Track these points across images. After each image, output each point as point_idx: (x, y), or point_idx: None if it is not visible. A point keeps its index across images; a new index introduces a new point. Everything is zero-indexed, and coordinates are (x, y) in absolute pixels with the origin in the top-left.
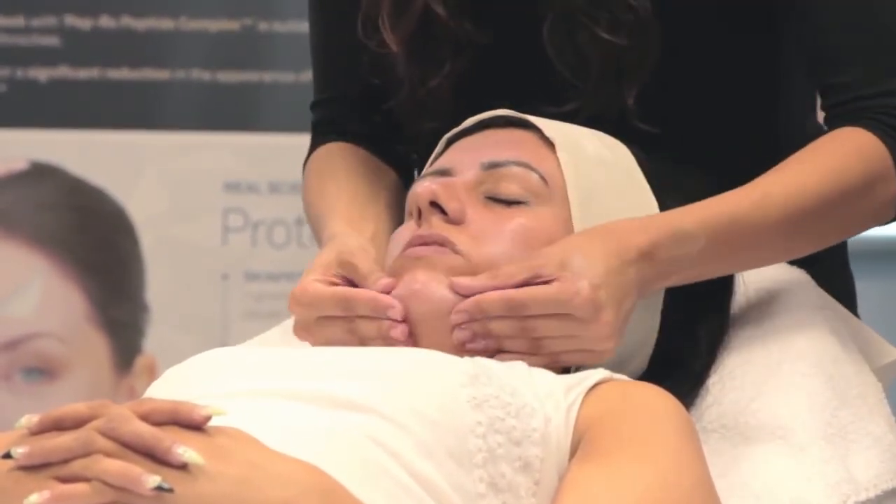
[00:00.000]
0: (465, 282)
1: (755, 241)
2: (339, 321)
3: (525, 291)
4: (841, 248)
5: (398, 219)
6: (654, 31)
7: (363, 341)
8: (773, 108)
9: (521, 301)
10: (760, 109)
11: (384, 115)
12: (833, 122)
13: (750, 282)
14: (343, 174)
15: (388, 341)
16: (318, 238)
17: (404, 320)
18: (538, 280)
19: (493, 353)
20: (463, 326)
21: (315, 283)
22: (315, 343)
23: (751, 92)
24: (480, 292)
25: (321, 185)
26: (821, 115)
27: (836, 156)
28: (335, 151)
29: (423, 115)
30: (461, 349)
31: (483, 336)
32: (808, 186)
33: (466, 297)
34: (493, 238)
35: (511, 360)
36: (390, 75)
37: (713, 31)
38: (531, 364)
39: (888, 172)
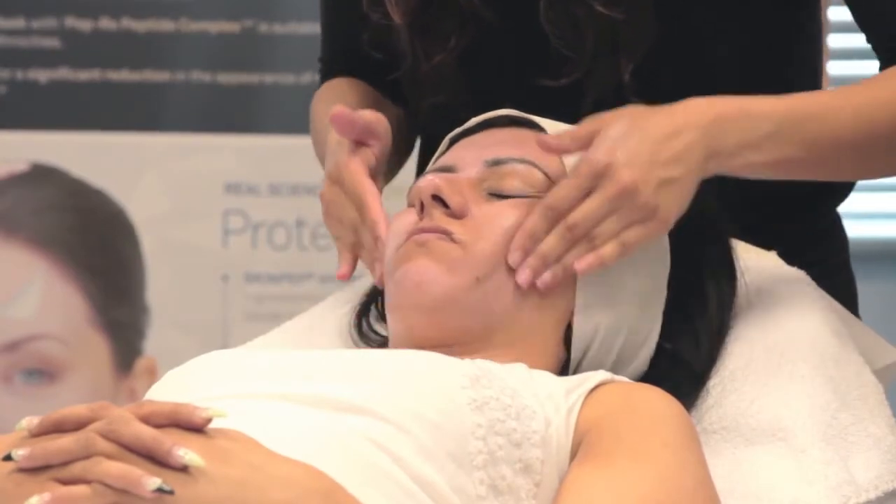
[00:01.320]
0: (544, 138)
1: (824, 141)
2: (350, 231)
3: (554, 191)
4: (842, 250)
5: (398, 146)
6: (650, 5)
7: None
8: (774, 84)
9: (554, 200)
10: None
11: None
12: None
13: (751, 283)
14: (347, 97)
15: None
16: (321, 154)
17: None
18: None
19: (567, 277)
20: (524, 266)
21: (357, 164)
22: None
23: (750, 67)
24: (560, 148)
25: (326, 103)
26: None
27: None
28: (341, 82)
29: (426, 90)
30: (538, 292)
31: (544, 265)
32: (877, 105)
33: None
34: (493, 228)
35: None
36: (392, 49)
37: (710, 5)
38: (602, 258)
39: None
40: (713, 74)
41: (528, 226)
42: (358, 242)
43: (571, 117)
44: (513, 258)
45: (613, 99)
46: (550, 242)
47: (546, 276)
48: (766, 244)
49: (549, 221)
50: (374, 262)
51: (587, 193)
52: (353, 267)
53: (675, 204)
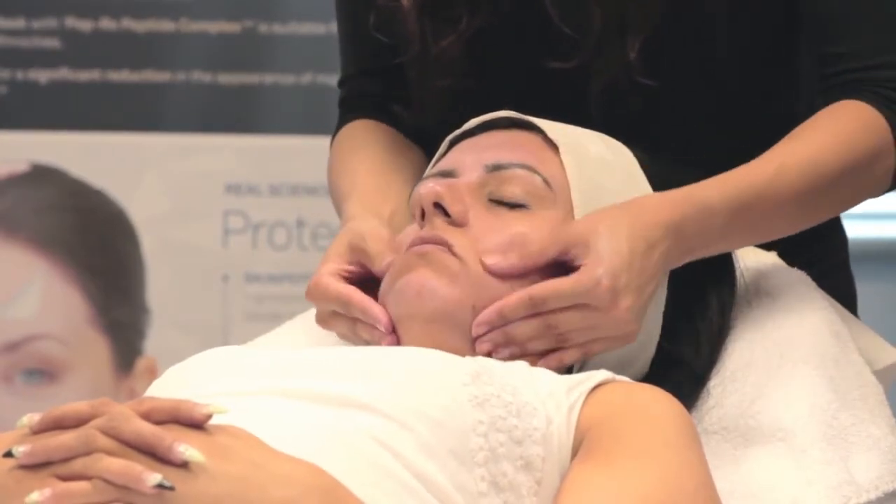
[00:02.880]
0: (496, 261)
1: (773, 213)
2: (344, 319)
3: (544, 287)
4: (841, 250)
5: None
6: None
7: (364, 341)
8: (781, 65)
9: (541, 297)
10: (767, 65)
11: (406, 86)
12: (830, 93)
13: (751, 284)
14: (366, 150)
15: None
16: (340, 216)
17: (393, 331)
18: (565, 258)
19: (518, 357)
20: (485, 339)
21: (326, 276)
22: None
23: (755, 47)
24: (511, 273)
25: (343, 163)
26: None
27: (844, 129)
28: (360, 127)
29: (434, 73)
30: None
31: (505, 344)
32: (820, 159)
33: (497, 275)
34: (492, 243)
35: (538, 359)
36: (399, 32)
37: None
38: (563, 361)
39: (888, 147)
40: (718, 53)
41: (504, 309)
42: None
43: (581, 100)
44: (477, 331)
45: (622, 80)
46: (526, 331)
47: (504, 353)
48: (766, 244)
49: (527, 311)
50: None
51: (576, 306)
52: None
53: (638, 321)
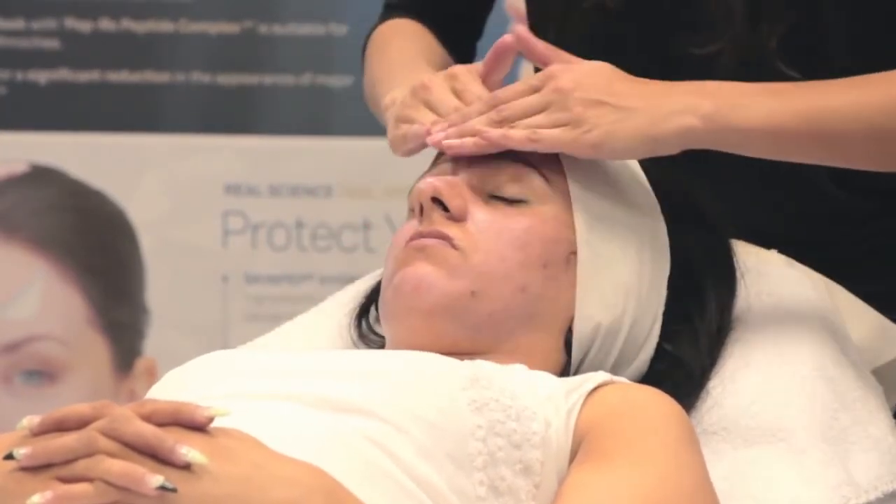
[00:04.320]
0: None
1: (825, 115)
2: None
3: (506, 90)
4: None
5: None
6: None
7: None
8: None
9: (499, 91)
10: None
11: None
12: None
13: (751, 285)
14: (404, 43)
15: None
16: (377, 106)
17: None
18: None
19: (480, 146)
20: (440, 131)
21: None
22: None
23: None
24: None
25: (380, 55)
26: None
27: None
28: (399, 25)
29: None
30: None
31: (458, 133)
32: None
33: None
34: (492, 236)
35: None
36: None
37: None
38: (509, 137)
39: None
40: (861, 44)
41: (466, 108)
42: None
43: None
44: (436, 126)
45: (758, 68)
46: (476, 118)
47: (452, 141)
48: (765, 245)
49: (485, 107)
50: (444, 124)
51: (532, 92)
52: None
53: (607, 129)
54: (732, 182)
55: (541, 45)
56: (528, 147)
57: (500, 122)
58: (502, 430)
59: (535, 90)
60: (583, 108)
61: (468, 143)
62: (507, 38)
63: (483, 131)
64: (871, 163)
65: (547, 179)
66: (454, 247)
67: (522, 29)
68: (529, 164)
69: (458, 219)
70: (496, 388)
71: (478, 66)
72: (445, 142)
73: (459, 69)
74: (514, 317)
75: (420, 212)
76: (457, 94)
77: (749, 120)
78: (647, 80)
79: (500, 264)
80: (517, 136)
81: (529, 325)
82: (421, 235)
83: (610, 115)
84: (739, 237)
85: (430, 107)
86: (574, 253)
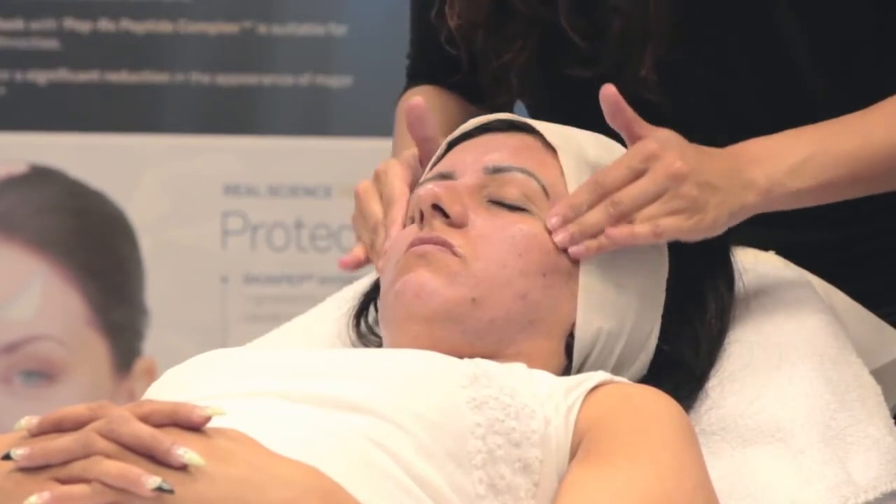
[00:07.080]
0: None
1: (865, 155)
2: (368, 231)
3: (603, 168)
4: None
5: None
6: None
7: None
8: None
9: (600, 173)
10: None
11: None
12: None
13: (750, 285)
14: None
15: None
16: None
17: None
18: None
19: (605, 247)
20: (560, 231)
21: (398, 171)
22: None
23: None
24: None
25: (396, 127)
26: None
27: None
28: (425, 92)
29: (498, 90)
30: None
31: (581, 234)
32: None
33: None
34: (493, 243)
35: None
36: (469, 48)
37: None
38: (635, 235)
39: None
40: (737, 74)
41: (572, 198)
42: (373, 243)
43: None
44: (552, 223)
45: (634, 93)
46: (594, 215)
47: (580, 248)
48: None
49: (594, 196)
50: (378, 257)
51: (637, 176)
52: (360, 261)
53: (717, 211)
54: None
55: (629, 113)
56: (652, 241)
57: (618, 218)
58: (501, 428)
59: (639, 173)
60: (698, 192)
61: (593, 247)
62: (415, 104)
63: (607, 232)
64: None
65: (546, 191)
66: (455, 254)
67: (613, 90)
68: (529, 173)
69: (459, 225)
70: (495, 386)
71: (413, 151)
72: (572, 249)
73: (383, 168)
74: (514, 323)
75: (421, 218)
76: (382, 197)
77: (803, 183)
78: (708, 151)
79: (501, 271)
80: (643, 232)
81: (530, 330)
82: (422, 240)
83: (717, 196)
84: (739, 238)
85: (364, 216)
86: (575, 261)
